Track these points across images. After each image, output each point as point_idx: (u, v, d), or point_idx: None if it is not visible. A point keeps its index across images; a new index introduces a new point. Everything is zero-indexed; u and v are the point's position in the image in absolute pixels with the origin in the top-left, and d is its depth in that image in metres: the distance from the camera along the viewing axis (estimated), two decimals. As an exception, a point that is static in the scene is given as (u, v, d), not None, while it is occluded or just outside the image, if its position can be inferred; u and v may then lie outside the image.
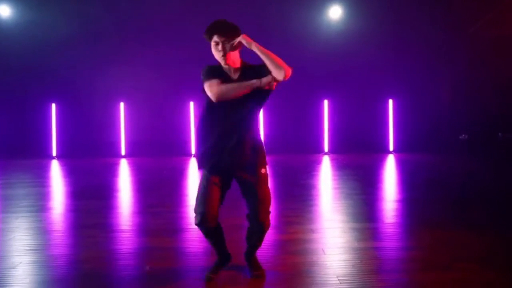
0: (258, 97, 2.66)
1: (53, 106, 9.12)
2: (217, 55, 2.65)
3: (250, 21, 9.79)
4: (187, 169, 7.88)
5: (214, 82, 2.59)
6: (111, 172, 7.60)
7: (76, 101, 9.58)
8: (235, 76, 2.68)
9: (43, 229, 4.04)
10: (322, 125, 9.08)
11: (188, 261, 3.17)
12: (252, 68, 2.68)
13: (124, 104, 9.15)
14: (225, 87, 2.59)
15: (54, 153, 8.96)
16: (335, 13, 9.67)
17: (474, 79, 10.38)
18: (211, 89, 2.59)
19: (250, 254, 2.94)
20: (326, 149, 9.01)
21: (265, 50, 2.60)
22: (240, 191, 2.80)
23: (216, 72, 2.66)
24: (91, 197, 5.35)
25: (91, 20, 9.40)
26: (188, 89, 9.56)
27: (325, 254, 3.22)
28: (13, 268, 3.06)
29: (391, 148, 9.05)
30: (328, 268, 2.97)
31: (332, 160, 8.44)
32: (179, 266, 3.07)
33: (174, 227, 4.04)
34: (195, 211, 2.71)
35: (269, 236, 2.82)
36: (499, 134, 10.67)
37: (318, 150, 9.08)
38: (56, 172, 7.87)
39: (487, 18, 10.01)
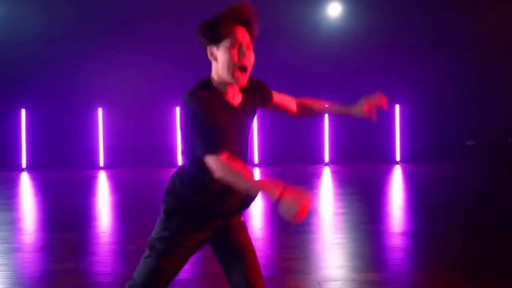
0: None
1: (23, 112, 8.72)
2: (233, 69, 1.85)
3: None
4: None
5: (220, 153, 1.84)
6: (88, 189, 7.26)
7: (49, 107, 9.18)
8: (236, 100, 2.00)
9: (7, 281, 3.70)
10: (322, 132, 8.80)
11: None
12: (252, 88, 2.04)
13: (102, 109, 8.77)
14: (231, 173, 1.82)
15: (24, 165, 8.58)
16: (334, 10, 9.35)
17: (483, 80, 10.18)
18: (216, 162, 1.85)
19: None
20: (326, 159, 8.73)
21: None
22: (217, 256, 2.15)
23: (215, 106, 1.88)
24: (65, 227, 5.02)
25: (65, 17, 8.96)
26: (173, 93, 9.19)
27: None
28: None
29: (397, 158, 8.79)
30: None
31: (333, 172, 8.17)
32: None
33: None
34: None
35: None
36: (509, 139, 10.51)
37: (317, 160, 8.79)
38: (25, 190, 7.51)
39: (496, 15, 9.78)
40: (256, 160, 8.72)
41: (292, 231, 4.80)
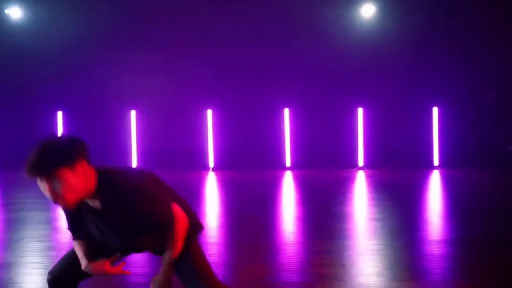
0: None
1: (60, 114, 8.99)
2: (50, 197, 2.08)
3: (274, 19, 9.45)
4: (203, 187, 7.61)
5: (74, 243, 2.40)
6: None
7: (84, 109, 9.41)
8: (94, 203, 2.17)
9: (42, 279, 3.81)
10: (356, 136, 8.69)
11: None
12: (114, 196, 2.13)
13: (135, 112, 8.94)
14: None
15: (59, 166, 8.81)
16: (367, 11, 9.22)
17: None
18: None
19: None
20: (360, 163, 8.61)
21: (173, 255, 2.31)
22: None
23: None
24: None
25: (99, 22, 9.18)
26: (205, 96, 9.29)
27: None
28: None
29: (436, 162, 8.58)
30: None
31: (367, 177, 8.05)
32: None
33: None
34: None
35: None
36: None
37: (351, 164, 8.68)
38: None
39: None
40: (288, 164, 8.69)
41: (325, 236, 4.76)
